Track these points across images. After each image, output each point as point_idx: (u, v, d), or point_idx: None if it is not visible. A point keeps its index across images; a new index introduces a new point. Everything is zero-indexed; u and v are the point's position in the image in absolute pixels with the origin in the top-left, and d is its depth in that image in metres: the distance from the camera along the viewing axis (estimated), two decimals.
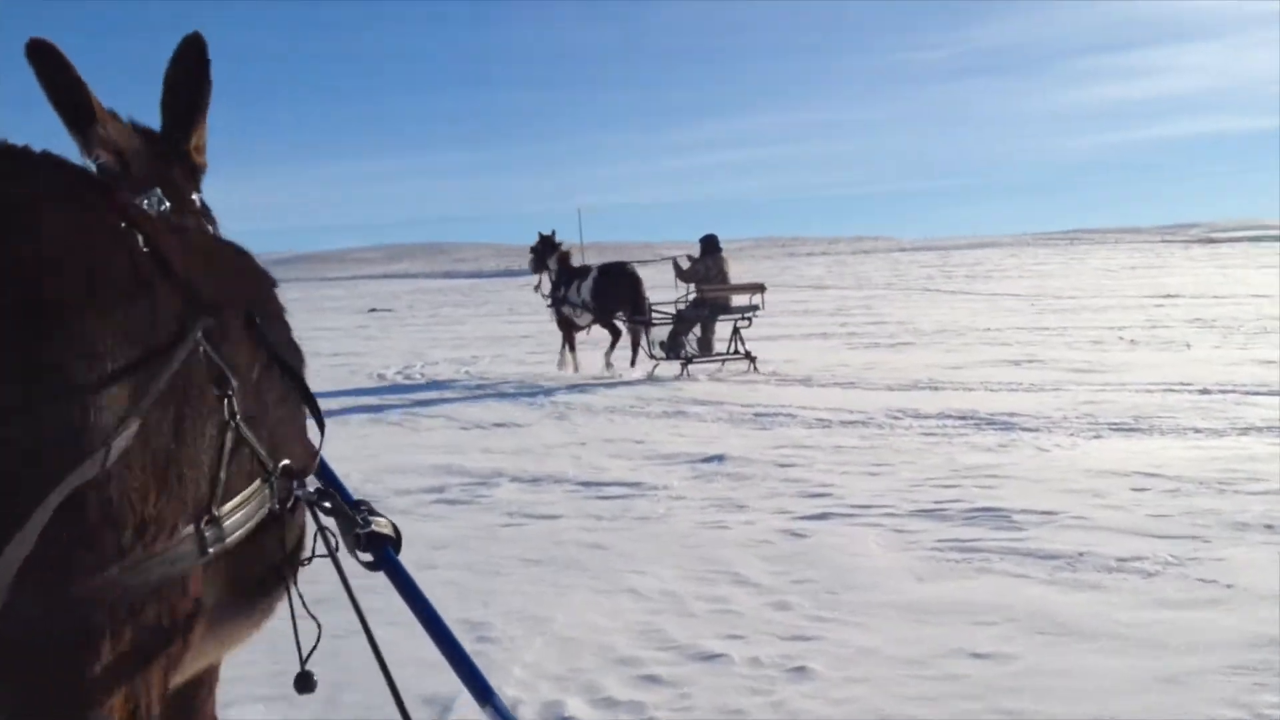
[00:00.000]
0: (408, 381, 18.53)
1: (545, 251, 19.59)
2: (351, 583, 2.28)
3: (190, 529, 1.76)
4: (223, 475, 1.86)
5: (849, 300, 35.66)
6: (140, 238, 1.77)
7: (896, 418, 11.92)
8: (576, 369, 18.23)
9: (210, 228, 2.78)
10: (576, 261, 19.69)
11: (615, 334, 18.47)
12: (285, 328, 2.36)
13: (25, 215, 1.62)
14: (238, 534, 1.90)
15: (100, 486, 1.55)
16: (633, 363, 18.20)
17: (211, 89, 2.72)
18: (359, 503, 2.53)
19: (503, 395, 15.63)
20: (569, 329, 18.66)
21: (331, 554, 2.30)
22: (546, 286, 19.41)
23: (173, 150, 2.72)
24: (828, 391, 14.53)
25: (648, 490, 8.79)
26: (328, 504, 2.34)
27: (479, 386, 16.85)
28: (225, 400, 1.86)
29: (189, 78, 2.70)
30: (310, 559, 2.33)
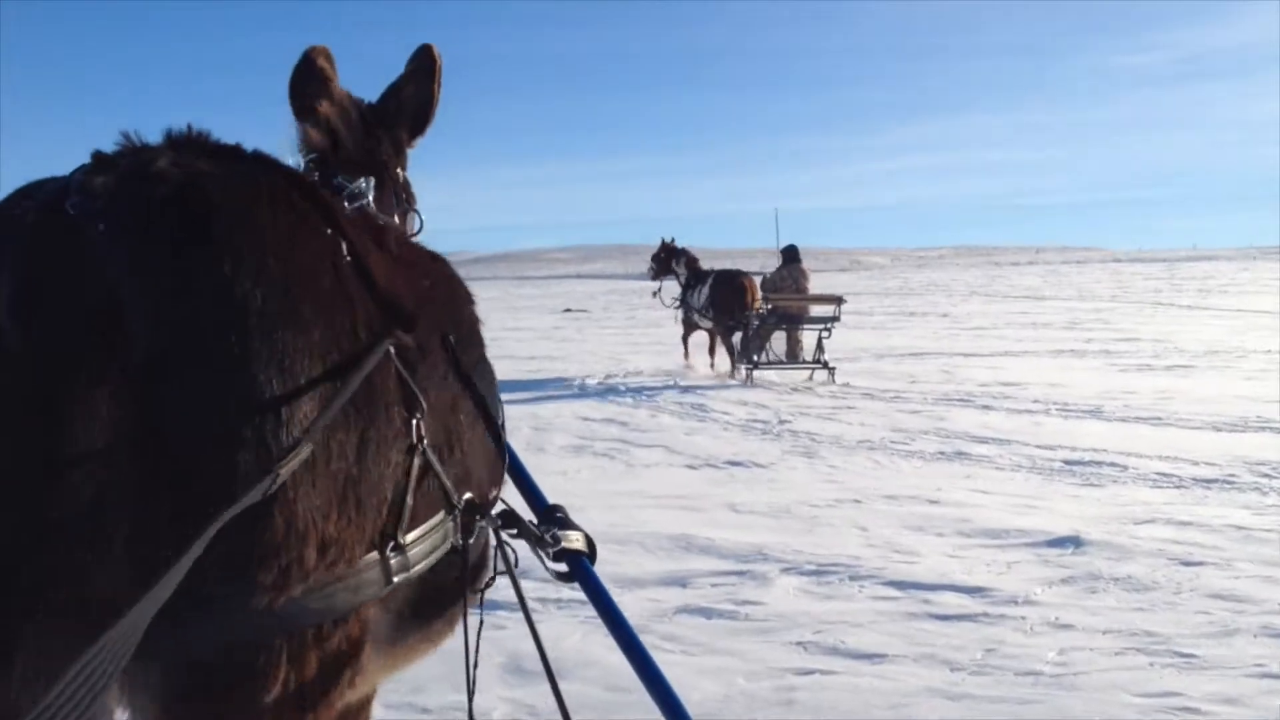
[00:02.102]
0: (612, 394, 15.75)
1: (671, 257, 19.99)
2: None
3: (374, 556, 1.69)
4: (409, 501, 1.77)
5: (1077, 313, 32.03)
6: (345, 245, 1.73)
7: (1269, 476, 8.67)
8: (698, 365, 18.55)
9: (411, 205, 2.82)
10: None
11: (729, 345, 18.37)
12: (479, 344, 2.27)
13: (233, 215, 1.57)
14: (422, 565, 1.82)
15: (282, 505, 1.50)
16: (712, 365, 18.50)
17: (440, 97, 2.80)
18: (553, 508, 2.43)
19: (728, 420, 12.64)
20: (691, 330, 19.13)
21: (511, 573, 2.19)
22: (666, 294, 19.72)
23: (381, 125, 2.71)
24: (1134, 429, 11.44)
25: (1002, 605, 5.65)
26: (513, 530, 2.24)
27: (696, 407, 13.85)
28: (414, 423, 1.77)
29: (423, 84, 2.78)
30: (494, 579, 2.23)
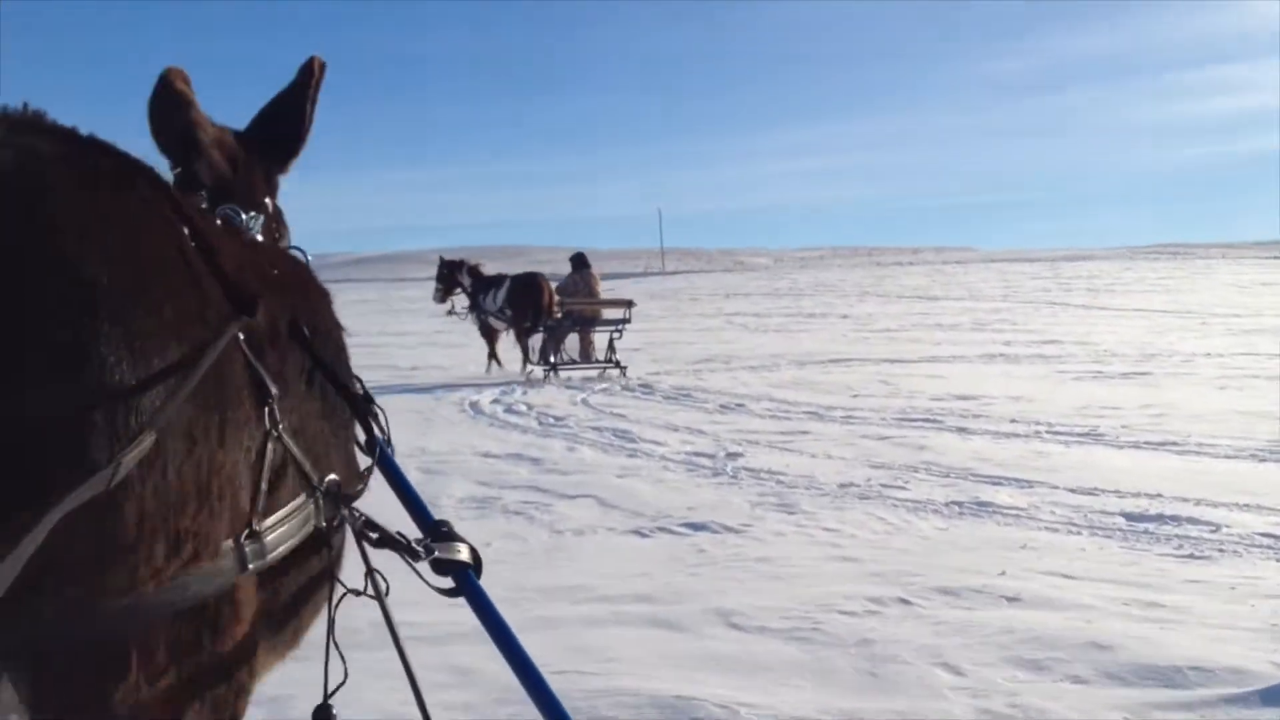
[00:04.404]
0: (513, 414, 12.93)
1: (453, 270, 20.17)
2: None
3: (229, 544, 1.58)
4: (264, 488, 1.67)
5: (977, 313, 30.12)
6: (188, 231, 1.64)
7: None
8: (491, 369, 18.47)
9: (282, 231, 2.64)
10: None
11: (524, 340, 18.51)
12: (339, 345, 2.21)
13: (75, 197, 1.46)
14: (279, 550, 1.71)
15: (132, 498, 1.38)
16: (523, 368, 18.08)
17: (315, 111, 2.59)
18: (439, 523, 2.28)
19: (664, 453, 9.84)
20: (491, 335, 19.03)
21: (380, 598, 2.02)
22: (460, 305, 19.92)
23: (261, 151, 2.55)
24: (1165, 461, 9.05)
25: None
26: (374, 534, 2.02)
27: (620, 434, 11.04)
28: (266, 409, 1.68)
29: (304, 97, 2.58)
30: (357, 592, 2.03)
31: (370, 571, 2.03)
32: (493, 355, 18.77)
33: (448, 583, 2.23)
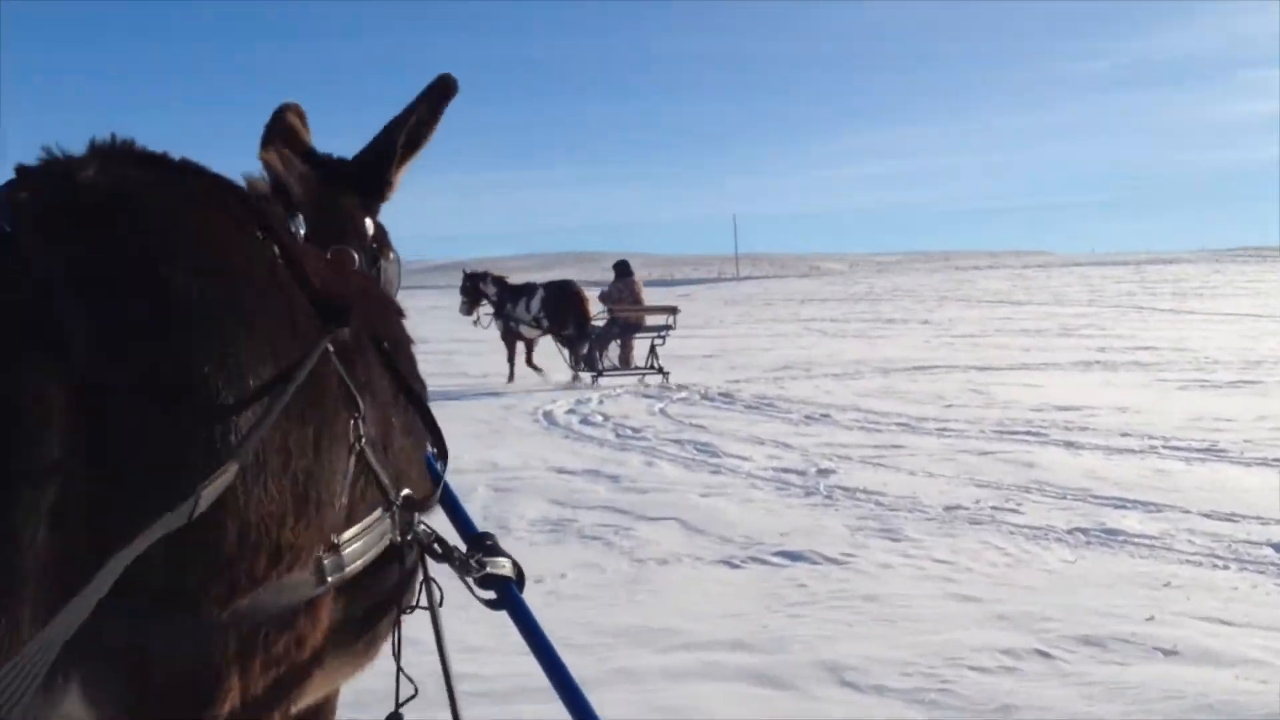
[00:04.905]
0: (588, 425, 12.24)
1: (477, 282, 20.15)
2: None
3: (314, 556, 1.59)
4: (345, 501, 1.68)
5: (1062, 318, 29.09)
6: (276, 248, 1.67)
7: None
8: (538, 371, 18.43)
9: (384, 250, 2.61)
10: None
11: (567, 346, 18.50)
12: (411, 360, 2.20)
13: (165, 219, 1.50)
14: (357, 564, 1.71)
15: (234, 513, 1.40)
16: (574, 376, 17.90)
17: (435, 130, 2.59)
18: (483, 535, 2.31)
19: (750, 468, 9.09)
20: (513, 342, 18.86)
21: (432, 608, 2.08)
22: (485, 318, 19.78)
23: (359, 175, 2.57)
24: None
25: None
26: (438, 549, 2.06)
27: (702, 447, 10.33)
28: (353, 422, 1.69)
29: (425, 115, 2.56)
30: (414, 606, 2.08)
31: (427, 579, 2.07)
32: (512, 361, 18.63)
33: (490, 595, 2.25)
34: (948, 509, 7.34)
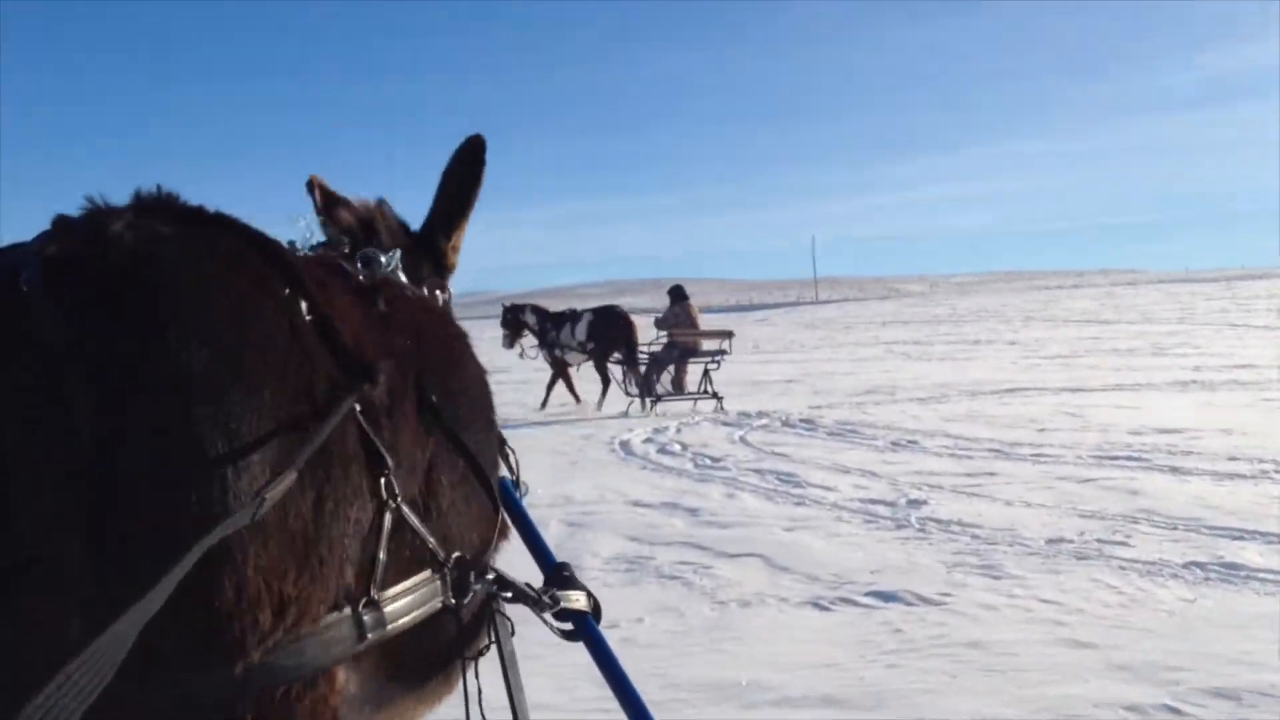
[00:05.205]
0: (666, 454, 11.83)
1: (518, 313, 20.30)
2: None
3: (345, 613, 1.58)
4: (381, 557, 1.64)
5: (1153, 336, 28.23)
6: (305, 305, 1.63)
7: None
8: (578, 401, 18.43)
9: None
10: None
11: (605, 381, 18.60)
12: (477, 401, 2.11)
13: (182, 280, 1.50)
14: (401, 622, 1.68)
15: (230, 570, 1.40)
16: (643, 406, 17.66)
17: (479, 192, 2.58)
18: (561, 566, 2.26)
19: (836, 499, 8.62)
20: (561, 369, 19.10)
21: (499, 645, 2.00)
22: (530, 350, 19.88)
23: (427, 246, 2.56)
24: None
25: None
26: (508, 594, 1.99)
27: (785, 478, 9.85)
28: (383, 480, 1.65)
29: (462, 179, 2.56)
30: (483, 651, 2.01)
31: (497, 629, 2.01)
32: (554, 386, 18.90)
33: (568, 626, 2.22)
34: (1050, 542, 6.83)
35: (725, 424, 14.49)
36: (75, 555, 1.32)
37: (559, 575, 2.24)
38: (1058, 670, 4.54)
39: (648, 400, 17.62)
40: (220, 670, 1.41)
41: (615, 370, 18.63)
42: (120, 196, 1.64)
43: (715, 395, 17.08)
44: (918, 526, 7.44)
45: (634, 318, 19.52)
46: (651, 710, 2.46)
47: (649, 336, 19.02)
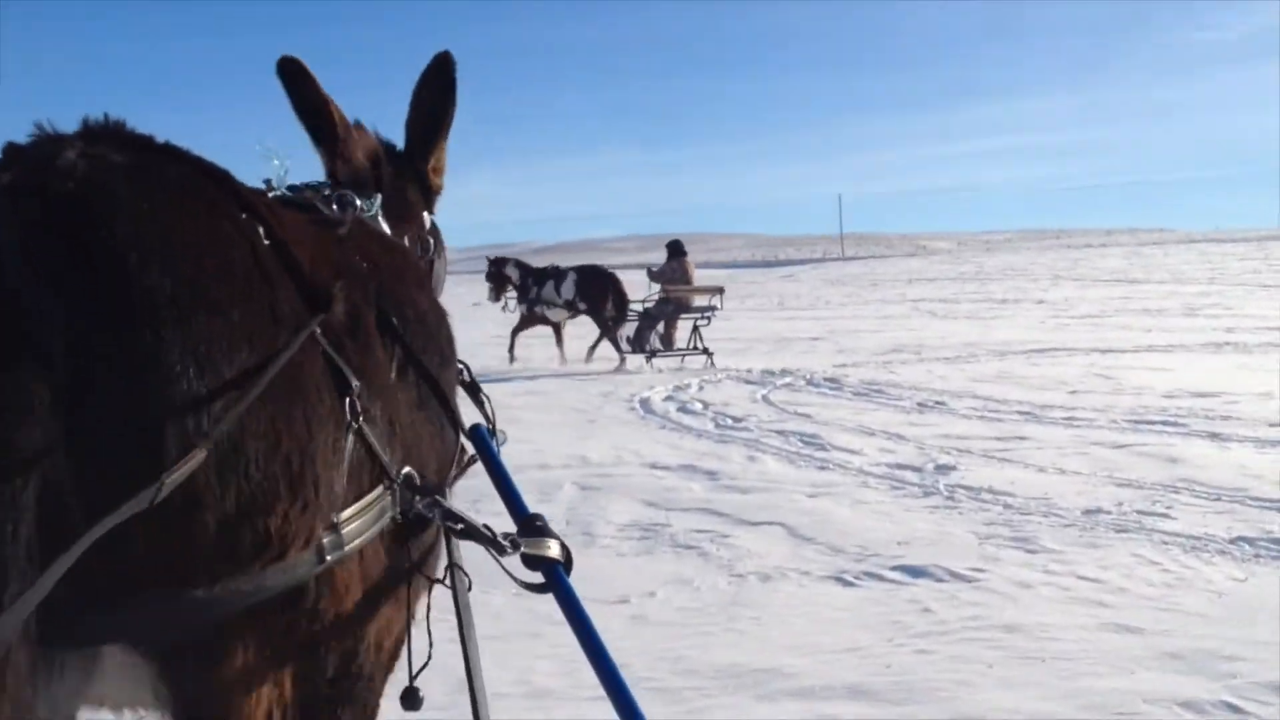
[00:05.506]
0: (686, 414, 11.45)
1: (501, 267, 20.29)
2: None
3: (309, 536, 1.59)
4: (344, 480, 1.67)
5: (1184, 297, 27.59)
6: (262, 229, 1.64)
7: None
8: (564, 360, 18.29)
9: (438, 248, 2.72)
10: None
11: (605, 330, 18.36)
12: (435, 329, 2.11)
13: (139, 207, 1.47)
14: (356, 542, 1.70)
15: (209, 499, 1.42)
16: (621, 362, 17.47)
17: (454, 110, 2.59)
18: (533, 516, 2.18)
19: (861, 464, 8.22)
20: (533, 324, 19.18)
21: (456, 590, 2.02)
22: (511, 303, 19.96)
23: (409, 169, 2.62)
24: None
25: None
26: (458, 526, 1.93)
27: (808, 440, 9.47)
28: (346, 401, 1.66)
29: (434, 98, 2.58)
30: (439, 580, 2.01)
31: (451, 565, 2.03)
32: (517, 338, 18.76)
33: (538, 578, 2.15)
34: (1087, 513, 6.44)
35: (748, 382, 14.08)
36: (63, 477, 1.32)
37: (530, 525, 2.17)
38: (1103, 659, 4.17)
39: (644, 357, 17.67)
40: (200, 594, 1.43)
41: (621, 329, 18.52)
42: (68, 124, 1.60)
43: (706, 351, 17.08)
44: (946, 494, 7.06)
45: (629, 274, 19.92)
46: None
47: (640, 294, 18.91)
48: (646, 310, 18.60)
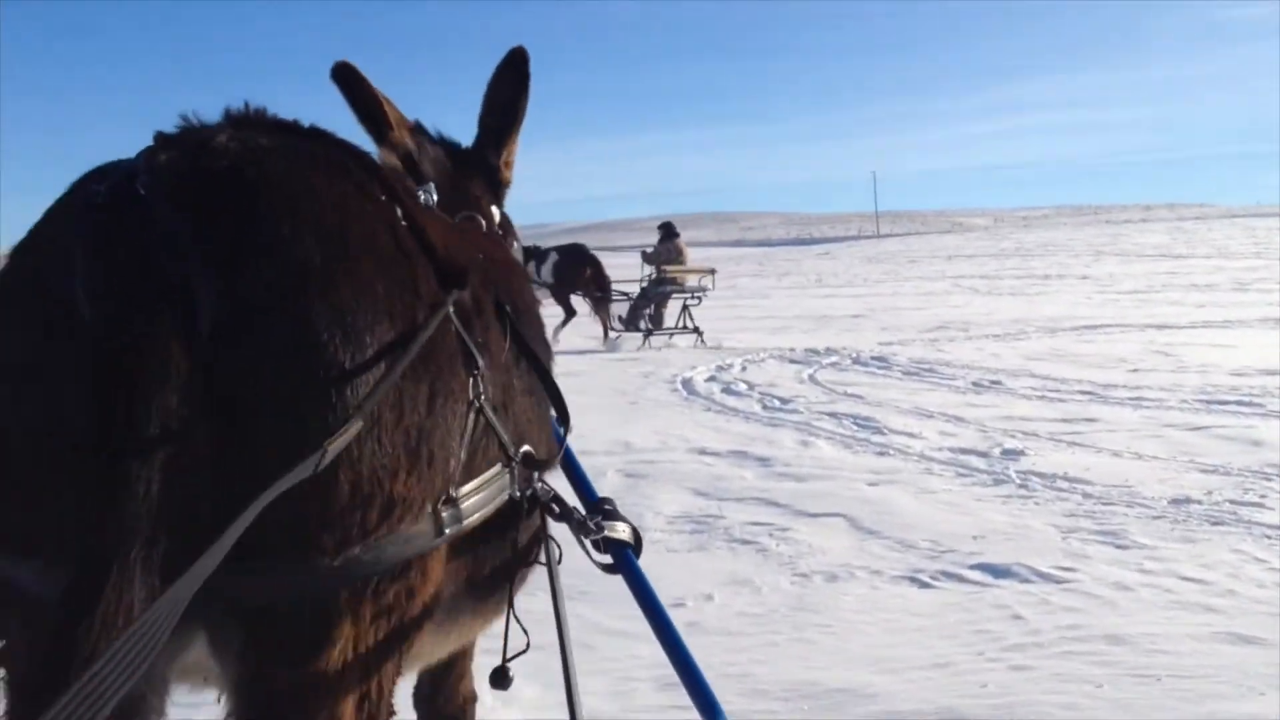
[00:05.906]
0: (732, 395, 10.94)
1: None
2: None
3: (429, 509, 1.61)
4: (463, 456, 1.69)
5: (1231, 271, 26.96)
6: (400, 211, 1.68)
7: None
8: (556, 340, 17.56)
9: (509, 237, 2.73)
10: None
11: (569, 311, 18.42)
12: (537, 322, 2.24)
13: (290, 185, 1.52)
14: (474, 518, 1.72)
15: (348, 468, 1.43)
16: (605, 338, 17.72)
17: (527, 105, 2.61)
18: (602, 500, 2.26)
19: (923, 449, 7.69)
20: None
21: (550, 565, 2.05)
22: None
23: (478, 163, 2.67)
24: None
25: None
26: (557, 508, 2.01)
27: (864, 422, 8.94)
28: (471, 380, 1.71)
29: (507, 93, 2.63)
30: (534, 563, 2.08)
31: (545, 537, 2.04)
32: None
33: (607, 559, 2.17)
34: (1175, 503, 5.90)
35: (792, 361, 13.55)
36: (201, 442, 1.34)
37: (601, 509, 2.21)
38: (1223, 677, 3.65)
39: (642, 334, 17.91)
40: (320, 564, 1.43)
41: (615, 307, 18.85)
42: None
43: (696, 330, 17.29)
44: (1019, 482, 6.53)
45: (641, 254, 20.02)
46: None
47: (628, 275, 19.19)
48: (642, 290, 19.00)
